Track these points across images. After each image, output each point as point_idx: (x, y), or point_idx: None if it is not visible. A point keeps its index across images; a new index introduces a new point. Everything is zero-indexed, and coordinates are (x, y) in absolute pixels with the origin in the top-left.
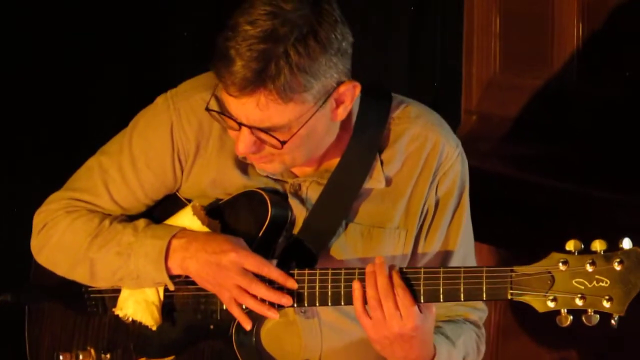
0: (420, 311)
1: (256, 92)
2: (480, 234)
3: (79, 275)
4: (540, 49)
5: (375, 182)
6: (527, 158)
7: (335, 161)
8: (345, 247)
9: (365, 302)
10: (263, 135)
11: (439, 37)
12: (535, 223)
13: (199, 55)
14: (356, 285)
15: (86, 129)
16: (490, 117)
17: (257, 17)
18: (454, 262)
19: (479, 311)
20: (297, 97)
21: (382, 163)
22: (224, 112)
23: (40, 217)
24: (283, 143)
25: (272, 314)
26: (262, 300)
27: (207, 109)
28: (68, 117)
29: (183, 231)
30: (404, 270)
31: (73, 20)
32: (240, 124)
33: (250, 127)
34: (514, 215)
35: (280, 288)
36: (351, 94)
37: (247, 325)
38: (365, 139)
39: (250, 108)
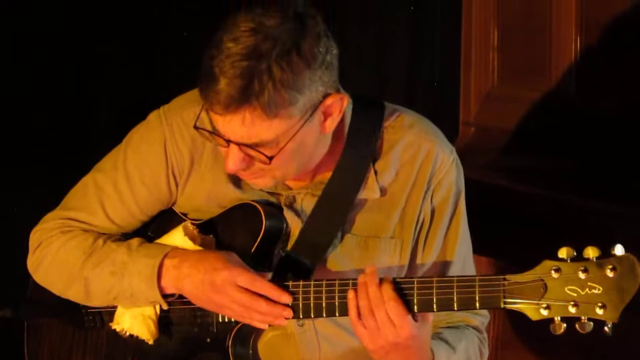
0: (416, 320)
1: (241, 110)
2: (479, 246)
3: (73, 294)
4: (539, 61)
5: (369, 192)
6: (525, 170)
7: (329, 172)
8: (341, 258)
9: (359, 311)
10: (251, 152)
11: (437, 49)
12: (533, 235)
13: (199, 56)
14: (350, 295)
15: (86, 129)
16: (488, 129)
17: (240, 35)
18: (453, 269)
19: (480, 316)
20: (282, 113)
21: (376, 173)
22: (212, 129)
23: (35, 236)
24: (271, 158)
25: (280, 322)
26: None
27: (196, 127)
28: (68, 118)
29: (175, 250)
30: (397, 280)
31: (72, 23)
32: (228, 141)
33: (238, 144)
34: (512, 227)
35: None
36: (339, 105)
37: (282, 321)
38: (359, 149)
39: (236, 125)
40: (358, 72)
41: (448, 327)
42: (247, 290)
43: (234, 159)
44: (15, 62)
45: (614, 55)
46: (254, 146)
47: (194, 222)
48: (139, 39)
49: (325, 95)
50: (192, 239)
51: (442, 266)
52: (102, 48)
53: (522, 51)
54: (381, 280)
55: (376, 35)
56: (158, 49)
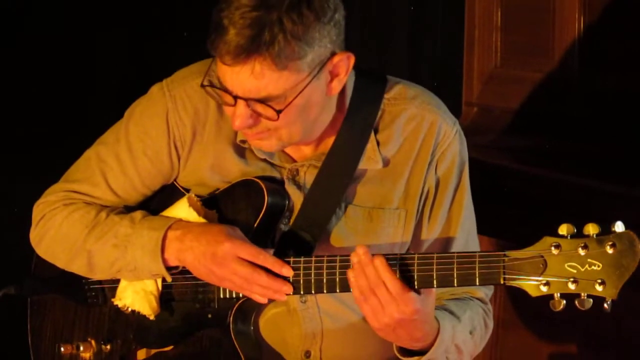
0: (419, 293)
1: (250, 59)
2: (481, 226)
3: (77, 267)
4: (541, 41)
5: (371, 162)
6: (527, 150)
7: (331, 142)
8: (345, 229)
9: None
10: (259, 107)
11: (440, 29)
12: (536, 215)
13: (198, 56)
14: (350, 275)
15: (86, 130)
16: (491, 110)
17: None
18: (457, 242)
19: (485, 288)
20: (291, 65)
21: (378, 144)
22: (218, 94)
23: (38, 209)
24: (279, 112)
25: (279, 296)
26: None
27: (202, 85)
28: (67, 119)
29: (179, 222)
30: (398, 256)
31: (74, 18)
32: (235, 97)
33: (245, 99)
34: (515, 208)
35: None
36: (345, 65)
37: (289, 290)
38: (359, 119)
39: (245, 77)
40: (360, 51)
41: (452, 299)
42: (248, 262)
43: (241, 116)
44: (14, 57)
45: (616, 35)
46: (261, 100)
47: (197, 196)
48: (138, 38)
49: (333, 53)
50: (197, 210)
51: (446, 240)
52: (102, 48)
53: (525, 32)
54: (375, 258)
55: (379, 15)
56: (158, 48)
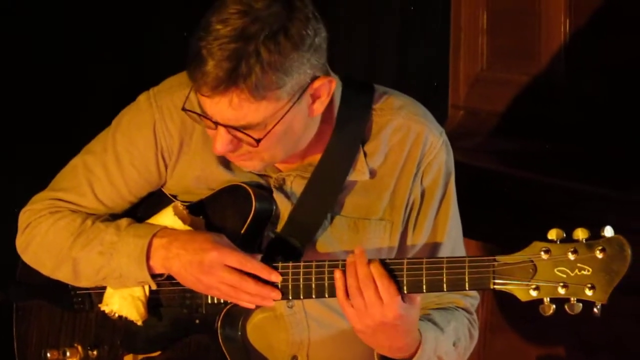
0: (404, 301)
1: (228, 92)
2: (468, 230)
3: (62, 274)
4: (528, 44)
5: (359, 174)
6: (514, 153)
7: (318, 155)
8: (331, 239)
9: (347, 291)
10: (239, 134)
11: (426, 32)
12: (522, 218)
13: None
14: (337, 275)
15: (86, 131)
16: (478, 113)
17: (228, 16)
18: (443, 251)
19: (470, 298)
20: (270, 95)
21: (365, 155)
22: (200, 111)
23: (24, 217)
24: (258, 141)
25: (267, 303)
26: None
27: (184, 109)
28: (67, 118)
29: (164, 230)
30: (387, 261)
31: (71, 20)
32: (216, 123)
33: (225, 126)
34: (501, 211)
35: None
36: (327, 88)
37: (277, 295)
38: (348, 131)
39: (224, 107)
40: (347, 55)
41: (437, 309)
42: (235, 270)
43: (221, 141)
44: (12, 60)
45: (603, 38)
46: (241, 129)
47: (183, 202)
48: (138, 39)
49: (314, 78)
50: (182, 218)
51: (432, 247)
52: (101, 49)
53: (511, 35)
54: (370, 261)
55: (366, 18)
56: (158, 48)
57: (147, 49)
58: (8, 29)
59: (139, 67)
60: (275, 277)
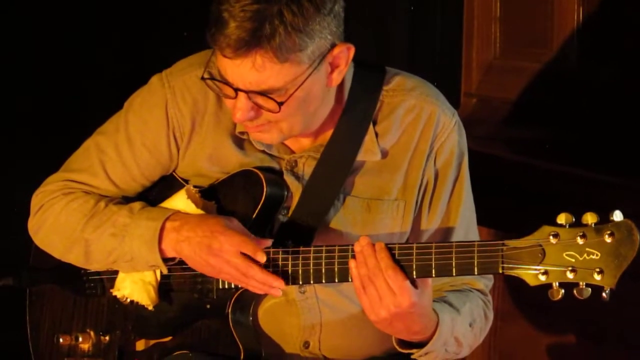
0: (416, 287)
1: (251, 52)
2: (480, 217)
3: (74, 256)
4: (540, 32)
5: (369, 154)
6: (526, 141)
7: (329, 134)
8: (343, 220)
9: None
10: (260, 99)
11: (439, 20)
12: (534, 206)
13: None
14: (352, 264)
15: (85, 130)
16: (490, 100)
17: None
18: (457, 233)
19: (484, 279)
20: (292, 57)
21: (377, 135)
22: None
23: (37, 199)
24: (280, 104)
25: (275, 292)
26: None
27: (203, 78)
28: (67, 118)
29: (177, 213)
30: (396, 245)
31: (74, 19)
32: (236, 90)
33: (246, 92)
34: (514, 198)
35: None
36: (345, 56)
37: (281, 284)
38: (358, 111)
39: (246, 69)
40: (359, 43)
41: (452, 291)
42: (243, 256)
43: (242, 108)
44: (15, 58)
45: (615, 26)
46: (263, 93)
47: (195, 187)
48: (138, 38)
49: (333, 45)
50: (195, 202)
51: (446, 231)
52: (102, 48)
53: (524, 22)
54: (379, 248)
55: (378, 5)
56: (158, 48)
57: (148, 45)
58: (9, 25)
59: (142, 65)
60: (279, 284)
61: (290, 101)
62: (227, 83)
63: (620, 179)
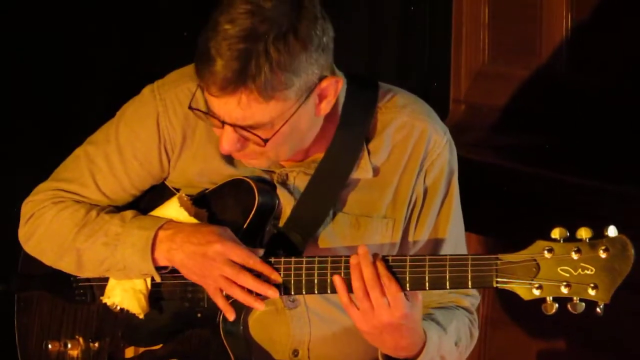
0: (407, 299)
1: (237, 92)
2: (468, 224)
3: (65, 265)
4: (529, 39)
5: (362, 172)
6: (515, 148)
7: (322, 152)
8: (333, 236)
9: (350, 292)
10: (246, 133)
11: (428, 26)
12: (523, 213)
13: None
14: (337, 281)
15: (86, 133)
16: (479, 107)
17: (237, 16)
18: (445, 250)
19: (471, 297)
20: (278, 95)
21: (369, 153)
22: (207, 110)
23: (27, 207)
24: (266, 141)
25: (258, 305)
26: (249, 291)
27: (190, 108)
28: (66, 118)
29: (170, 222)
30: (390, 258)
31: (72, 18)
32: (223, 122)
33: (232, 126)
34: (502, 205)
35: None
36: (334, 88)
37: (231, 315)
38: (352, 129)
39: (232, 107)
40: (348, 48)
41: (439, 308)
42: (236, 264)
43: (228, 140)
44: (9, 57)
45: (604, 33)
46: (249, 128)
47: (187, 195)
48: (138, 38)
49: (321, 78)
50: (187, 210)
51: (434, 245)
52: (101, 48)
53: (513, 29)
54: (375, 259)
55: (367, 12)
56: (157, 48)
57: (148, 45)
58: (8, 24)
59: (140, 62)
60: (276, 277)
61: (277, 135)
62: (213, 115)
63: (609, 185)
